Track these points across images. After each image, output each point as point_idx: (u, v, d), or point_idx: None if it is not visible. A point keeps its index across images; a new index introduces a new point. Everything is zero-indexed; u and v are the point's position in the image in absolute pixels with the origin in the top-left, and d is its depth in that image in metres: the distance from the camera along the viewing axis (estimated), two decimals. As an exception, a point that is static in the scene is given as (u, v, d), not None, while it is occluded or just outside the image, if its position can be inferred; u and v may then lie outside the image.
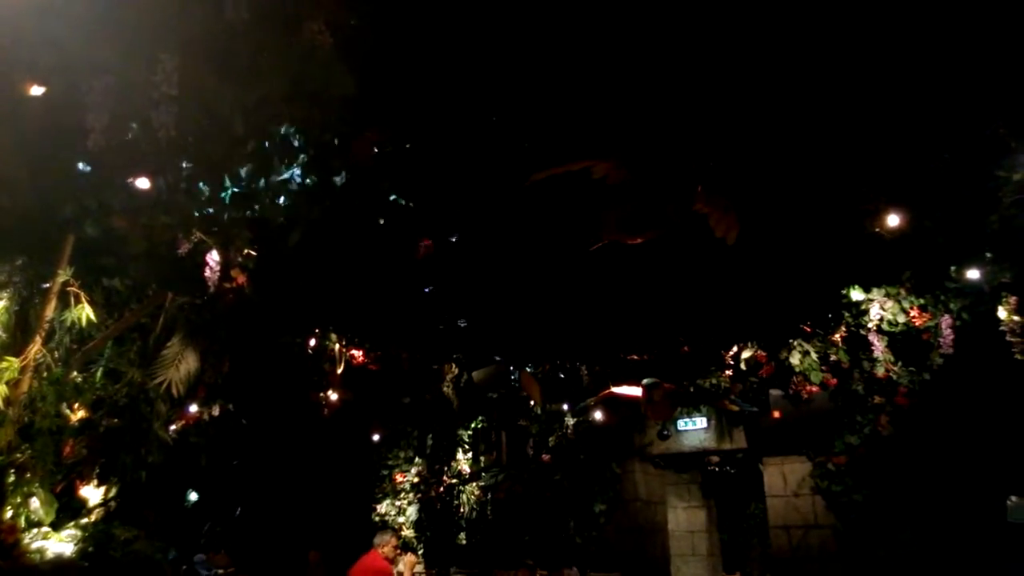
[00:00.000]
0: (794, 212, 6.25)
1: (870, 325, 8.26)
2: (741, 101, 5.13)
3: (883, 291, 8.20)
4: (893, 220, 6.43)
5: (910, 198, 6.30)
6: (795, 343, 8.74)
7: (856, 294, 8.31)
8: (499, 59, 4.65)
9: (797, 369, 8.76)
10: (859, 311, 8.38)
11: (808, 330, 8.67)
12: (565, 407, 10.86)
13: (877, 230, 6.64)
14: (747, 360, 9.06)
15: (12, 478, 5.48)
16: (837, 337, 8.63)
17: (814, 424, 9.07)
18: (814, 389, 8.89)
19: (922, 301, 8.04)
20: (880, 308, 8.20)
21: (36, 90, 4.26)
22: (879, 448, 8.54)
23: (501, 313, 7.88)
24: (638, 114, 5.08)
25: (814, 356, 8.77)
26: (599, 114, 5.17)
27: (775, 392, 9.36)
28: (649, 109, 5.04)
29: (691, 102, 5.00)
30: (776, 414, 9.36)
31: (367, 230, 6.12)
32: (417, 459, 11.96)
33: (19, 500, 5.55)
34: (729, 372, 9.36)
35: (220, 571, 8.02)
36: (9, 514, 5.46)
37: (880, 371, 8.37)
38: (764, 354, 8.97)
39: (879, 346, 8.24)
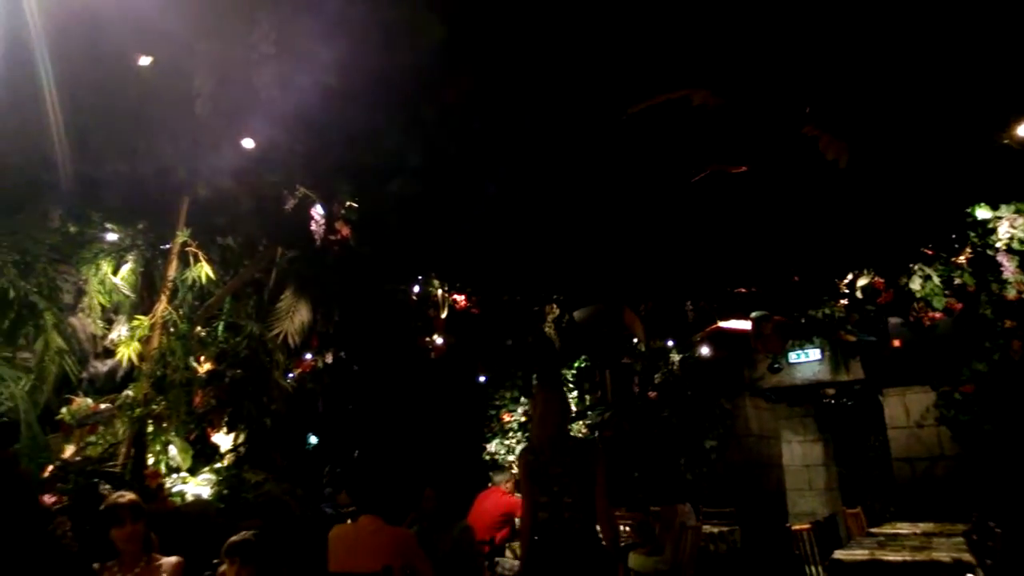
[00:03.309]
0: (912, 126, 5.84)
1: (998, 245, 7.67)
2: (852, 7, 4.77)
3: (1012, 207, 7.58)
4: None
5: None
6: (915, 267, 8.25)
7: (982, 212, 7.73)
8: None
9: (918, 295, 8.27)
10: (986, 230, 7.80)
11: (930, 253, 8.16)
12: (670, 343, 10.74)
13: (1005, 142, 6.12)
14: (863, 288, 8.62)
15: (151, 428, 5.88)
16: (962, 259, 8.09)
17: (937, 352, 8.61)
18: (937, 315, 8.39)
19: (1058, 216, 7.42)
20: (1010, 226, 7.60)
21: (144, 60, 4.41)
22: (1010, 374, 8.04)
23: (602, 250, 7.78)
24: (740, 35, 4.81)
25: (936, 280, 8.26)
26: (697, 39, 4.93)
27: (894, 320, 8.92)
28: (752, 28, 4.76)
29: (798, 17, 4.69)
30: (896, 343, 8.94)
31: (463, 175, 6.12)
32: (523, 399, 12.14)
33: (159, 448, 5.97)
34: (844, 301, 8.96)
35: (343, 510, 8.44)
36: (151, 461, 5.88)
37: (1011, 293, 7.79)
38: (882, 280, 8.51)
39: (1009, 267, 7.66)
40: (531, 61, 4.97)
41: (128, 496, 3.73)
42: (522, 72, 5.14)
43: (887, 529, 7.04)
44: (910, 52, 5.02)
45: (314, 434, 10.33)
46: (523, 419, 12.03)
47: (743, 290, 9.10)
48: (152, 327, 5.94)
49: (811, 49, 4.93)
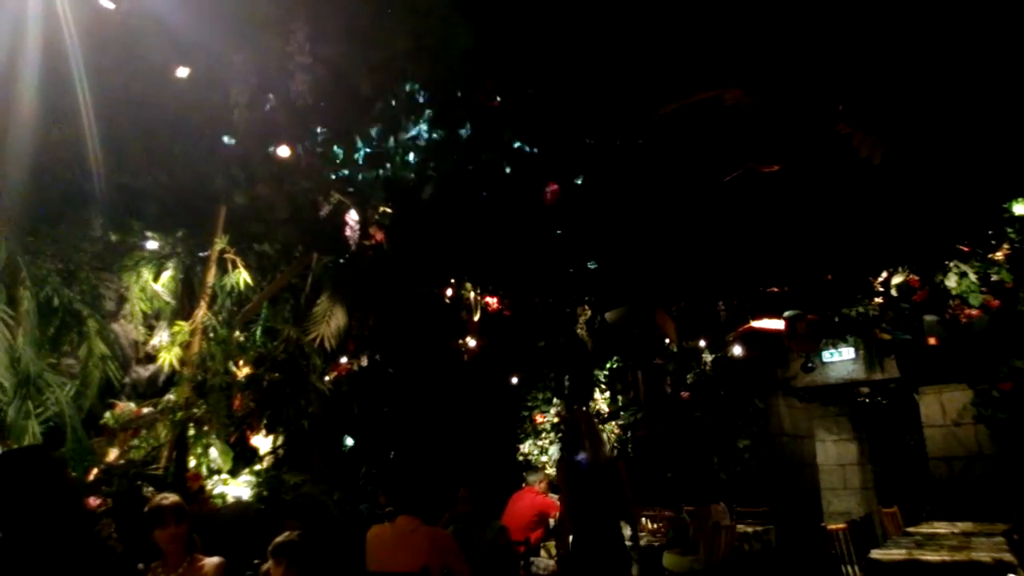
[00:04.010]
0: (947, 121, 5.76)
1: (1037, 240, 7.56)
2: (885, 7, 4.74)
3: (1052, 202, 7.48)
4: (1064, 122, 5.81)
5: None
6: (951, 264, 8.12)
7: (1020, 207, 7.60)
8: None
9: (954, 292, 8.14)
10: (1024, 226, 7.69)
11: (966, 249, 8.03)
12: (702, 344, 10.69)
13: (1045, 134, 6.01)
14: (898, 286, 8.51)
15: (192, 431, 6.00)
16: (999, 255, 7.95)
17: (975, 350, 8.46)
18: (974, 312, 8.24)
19: (1098, 211, 7.27)
20: (1050, 220, 7.48)
21: (181, 71, 4.52)
22: (1050, 372, 7.90)
23: (633, 251, 7.78)
24: (771, 34, 4.80)
25: (973, 277, 8.12)
26: (726, 39, 4.93)
27: (930, 318, 8.78)
28: (783, 25, 4.74)
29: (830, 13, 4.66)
30: (932, 341, 8.80)
31: (495, 179, 6.17)
32: (555, 400, 12.15)
33: (200, 451, 6.07)
34: (879, 299, 8.85)
35: (380, 511, 8.51)
36: (192, 463, 5.99)
37: (1050, 288, 7.67)
38: (917, 278, 8.40)
39: (1049, 262, 7.54)
40: (563, 64, 5.01)
41: (171, 498, 3.78)
42: (554, 74, 5.18)
43: (924, 529, 6.95)
44: (945, 46, 4.97)
45: (350, 436, 10.43)
46: (555, 420, 12.05)
47: (776, 289, 9.04)
48: (192, 332, 6.06)
49: (844, 46, 4.90)
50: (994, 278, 8.03)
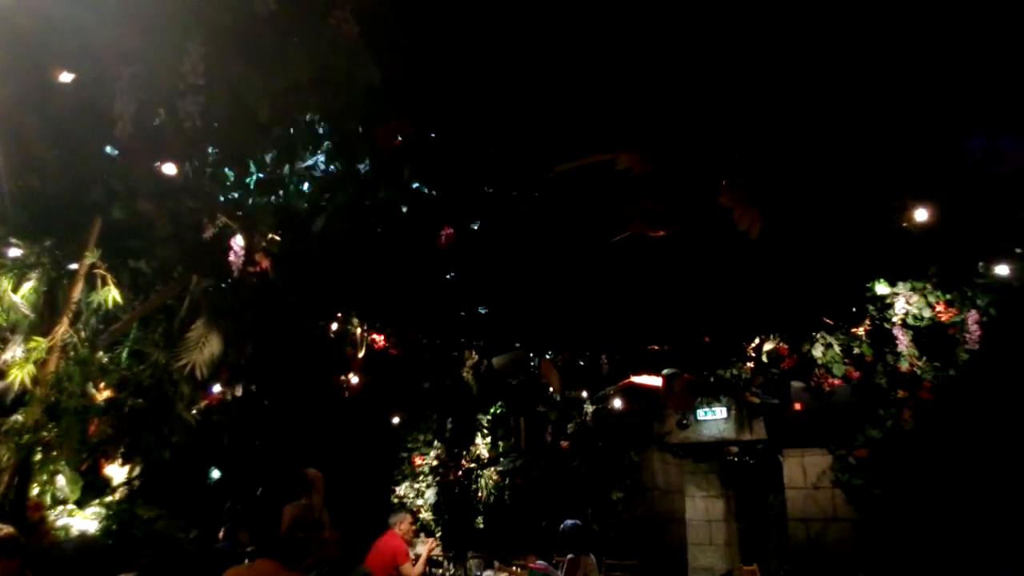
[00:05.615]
0: (820, 206, 6.18)
1: (895, 319, 8.15)
2: (766, 94, 5.07)
3: (909, 285, 8.09)
4: (921, 215, 6.34)
5: (939, 192, 6.21)
6: (818, 336, 8.66)
7: (881, 288, 8.21)
8: (525, 50, 4.62)
9: (819, 362, 8.68)
10: (884, 305, 8.28)
11: (831, 323, 8.59)
12: (584, 394, 10.86)
13: (904, 225, 6.55)
14: (769, 352, 8.99)
15: (39, 456, 5.56)
16: (861, 331, 8.54)
17: (835, 417, 8.99)
18: (836, 382, 8.79)
19: (949, 296, 7.92)
20: (905, 302, 8.09)
21: (65, 76, 4.29)
22: (901, 442, 8.45)
23: (522, 301, 7.88)
24: (663, 106, 5.03)
25: (837, 349, 8.68)
26: (624, 106, 5.13)
27: (796, 384, 9.29)
28: (674, 102, 4.99)
29: (716, 95, 4.94)
30: (797, 406, 9.29)
31: (390, 217, 6.13)
32: (436, 443, 12.03)
33: (45, 478, 5.64)
34: (751, 364, 9.30)
35: (240, 549, 8.11)
36: (35, 491, 5.56)
37: (904, 365, 8.25)
38: (786, 346, 8.90)
39: (904, 340, 8.13)
40: (465, 113, 5.07)
41: (4, 530, 3.51)
42: (459, 120, 5.23)
43: (780, 588, 7.22)
44: (820, 140, 5.36)
45: (218, 469, 9.95)
46: (435, 463, 11.92)
47: (656, 347, 9.34)
48: (50, 350, 5.67)
49: (729, 126, 5.19)
50: (856, 351, 8.59)
